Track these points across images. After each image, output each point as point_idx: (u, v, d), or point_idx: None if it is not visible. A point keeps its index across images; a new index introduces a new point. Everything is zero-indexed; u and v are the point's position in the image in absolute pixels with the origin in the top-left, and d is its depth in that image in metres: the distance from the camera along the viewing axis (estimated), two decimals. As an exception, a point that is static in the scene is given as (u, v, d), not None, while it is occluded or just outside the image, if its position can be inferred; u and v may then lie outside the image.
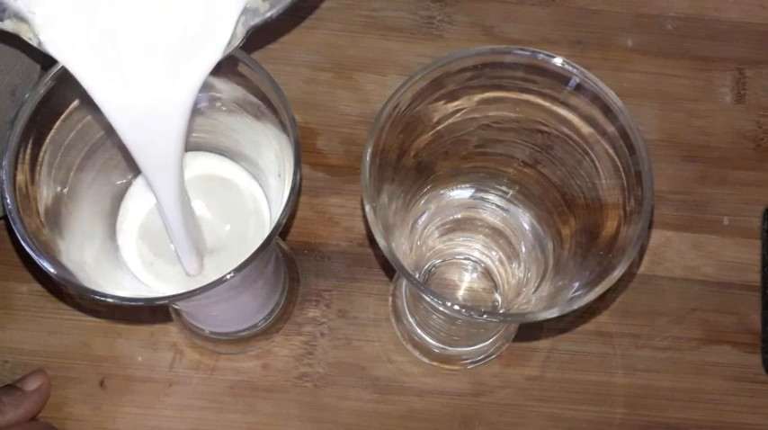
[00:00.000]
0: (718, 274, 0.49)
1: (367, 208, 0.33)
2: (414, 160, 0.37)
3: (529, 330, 0.48)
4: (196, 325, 0.46)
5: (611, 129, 0.34)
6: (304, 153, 0.50)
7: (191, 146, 0.40)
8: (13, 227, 0.33)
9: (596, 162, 0.36)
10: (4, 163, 0.33)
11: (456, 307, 0.33)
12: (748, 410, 0.47)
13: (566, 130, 0.36)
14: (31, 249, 0.33)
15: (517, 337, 0.47)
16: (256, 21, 0.35)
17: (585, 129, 0.36)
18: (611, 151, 0.35)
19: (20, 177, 0.34)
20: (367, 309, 0.48)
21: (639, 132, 0.33)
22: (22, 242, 0.33)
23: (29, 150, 0.35)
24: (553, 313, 0.32)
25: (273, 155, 0.38)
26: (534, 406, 0.47)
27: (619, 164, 0.34)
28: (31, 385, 0.44)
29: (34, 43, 0.33)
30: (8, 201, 0.33)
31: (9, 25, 0.33)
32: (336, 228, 0.49)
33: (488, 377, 0.47)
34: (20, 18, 0.33)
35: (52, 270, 0.33)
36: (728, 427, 0.47)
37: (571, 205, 0.38)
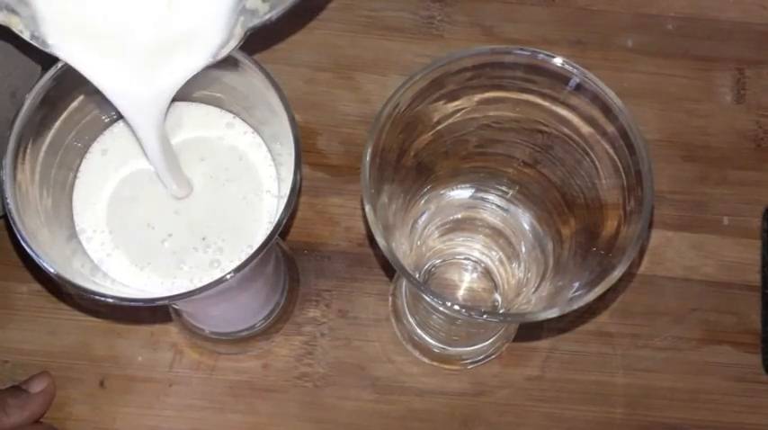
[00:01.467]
0: (718, 274, 0.49)
1: (367, 208, 0.33)
2: (414, 160, 0.37)
3: (529, 330, 0.48)
4: (196, 325, 0.46)
5: (611, 129, 0.34)
6: (304, 153, 0.50)
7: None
8: (13, 227, 0.33)
9: (596, 162, 0.36)
10: (5, 163, 0.33)
11: (456, 307, 0.33)
12: (748, 410, 0.47)
13: (566, 130, 0.36)
14: (31, 249, 0.33)
15: (517, 337, 0.47)
16: (255, 22, 0.35)
17: (585, 129, 0.36)
18: (611, 151, 0.35)
19: (20, 177, 0.34)
20: (367, 309, 0.48)
21: (639, 132, 0.33)
22: (21, 242, 0.33)
23: (29, 150, 0.35)
24: (553, 313, 0.32)
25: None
26: (534, 406, 0.47)
27: (619, 164, 0.34)
28: (37, 387, 0.44)
29: (26, 36, 0.33)
30: (8, 201, 0.33)
31: (1, 18, 0.33)
32: (336, 228, 0.49)
33: (488, 377, 0.47)
34: (11, 10, 0.33)
35: (52, 270, 0.33)
36: (728, 427, 0.47)
37: (571, 205, 0.38)
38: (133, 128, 0.36)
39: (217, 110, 0.40)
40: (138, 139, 0.37)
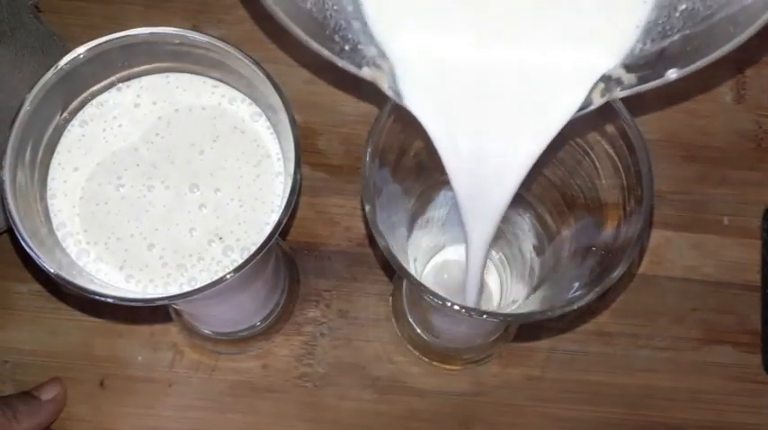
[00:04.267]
0: (718, 274, 0.49)
1: (367, 208, 0.33)
2: (414, 160, 0.37)
3: (529, 330, 0.48)
4: (196, 325, 0.46)
5: (611, 129, 0.34)
6: (304, 153, 0.50)
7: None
8: (14, 227, 0.33)
9: (596, 162, 0.36)
10: (5, 163, 0.33)
11: (456, 307, 0.33)
12: (748, 410, 0.47)
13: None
14: (32, 250, 0.33)
15: (517, 337, 0.47)
16: (618, 92, 0.31)
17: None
18: (611, 151, 0.35)
19: (20, 177, 0.34)
20: (367, 309, 0.48)
21: (639, 132, 0.33)
22: (22, 243, 0.33)
23: (29, 150, 0.35)
24: (553, 313, 0.32)
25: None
26: (534, 406, 0.47)
27: (619, 164, 0.34)
28: (48, 394, 0.44)
29: (392, 95, 0.31)
30: (9, 201, 0.33)
31: (368, 73, 0.31)
32: (336, 228, 0.49)
33: (488, 377, 0.47)
34: (375, 65, 0.31)
35: (52, 270, 0.32)
36: (728, 427, 0.47)
37: (571, 205, 0.38)
38: (470, 225, 0.33)
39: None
40: (466, 243, 0.34)
